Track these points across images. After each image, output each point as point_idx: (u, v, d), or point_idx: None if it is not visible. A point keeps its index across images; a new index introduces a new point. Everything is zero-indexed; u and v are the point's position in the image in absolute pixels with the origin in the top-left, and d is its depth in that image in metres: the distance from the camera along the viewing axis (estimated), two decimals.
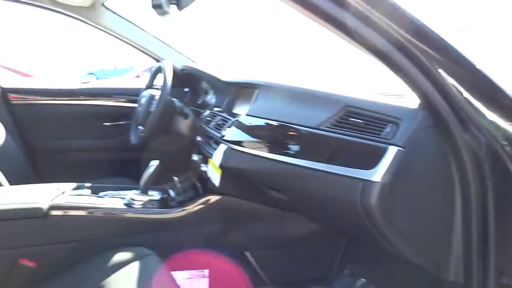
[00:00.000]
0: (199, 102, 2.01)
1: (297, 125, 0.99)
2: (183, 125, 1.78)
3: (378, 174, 0.77)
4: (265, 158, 1.08)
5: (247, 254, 1.41)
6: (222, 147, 1.26)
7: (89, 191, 1.41)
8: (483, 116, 0.75)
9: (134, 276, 1.07)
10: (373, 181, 0.78)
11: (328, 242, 1.44)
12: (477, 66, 0.73)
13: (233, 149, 1.21)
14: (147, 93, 1.80)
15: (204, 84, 1.94)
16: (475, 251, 0.82)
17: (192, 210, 1.34)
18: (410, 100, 0.83)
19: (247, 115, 1.22)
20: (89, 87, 2.33)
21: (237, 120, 1.26)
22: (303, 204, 1.08)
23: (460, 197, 0.81)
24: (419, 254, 0.87)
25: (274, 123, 1.07)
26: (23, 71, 9.62)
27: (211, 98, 1.84)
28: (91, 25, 2.02)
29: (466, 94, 0.74)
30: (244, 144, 1.18)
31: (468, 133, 0.76)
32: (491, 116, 0.76)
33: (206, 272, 1.37)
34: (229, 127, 1.27)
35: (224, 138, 1.26)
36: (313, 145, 0.94)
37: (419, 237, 0.84)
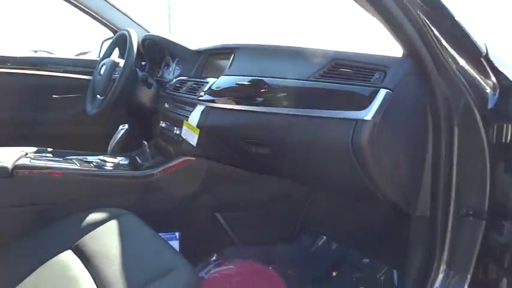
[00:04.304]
0: (158, 75, 1.98)
1: (284, 78, 1.03)
2: (147, 95, 1.75)
3: (369, 114, 0.85)
4: (248, 111, 1.11)
5: (218, 215, 1.43)
6: (200, 108, 1.27)
7: (51, 155, 1.34)
8: (457, 64, 0.86)
9: (114, 233, 1.04)
10: (365, 120, 0.85)
11: (293, 203, 1.51)
12: (455, 17, 0.82)
13: (212, 107, 1.22)
14: (108, 61, 1.72)
15: (167, 56, 1.91)
16: (441, 188, 0.92)
17: (167, 171, 1.33)
18: (393, 51, 0.92)
19: (226, 75, 1.24)
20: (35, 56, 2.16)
21: (215, 81, 1.27)
22: (288, 155, 1.13)
23: (431, 138, 0.91)
24: (397, 192, 0.96)
25: (257, 78, 1.10)
26: None
27: (173, 70, 1.83)
28: None
29: (444, 42, 0.84)
30: (223, 101, 1.20)
31: (443, 79, 0.86)
32: (464, 64, 0.86)
33: (177, 234, 1.37)
34: (207, 88, 1.28)
35: (202, 98, 1.27)
36: (302, 95, 0.99)
37: (400, 176, 0.93)
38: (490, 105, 0.89)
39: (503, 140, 0.88)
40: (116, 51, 1.94)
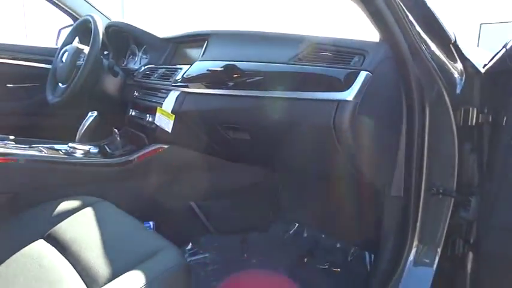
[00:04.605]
0: (123, 64, 1.92)
1: (264, 62, 1.04)
2: (113, 83, 1.68)
3: (351, 94, 0.88)
4: (225, 95, 1.11)
5: (193, 204, 1.41)
6: (174, 94, 1.25)
7: (14, 143, 1.26)
8: (429, 49, 0.91)
9: (90, 220, 1.00)
10: (347, 100, 0.88)
11: (266, 191, 1.53)
12: (427, 4, 0.88)
13: (188, 92, 1.21)
14: (71, 47, 1.64)
15: (132, 45, 1.86)
16: (413, 167, 0.97)
17: (140, 159, 1.29)
18: (370, 37, 0.96)
19: (201, 61, 1.24)
20: None
21: (189, 67, 1.26)
22: (267, 140, 1.14)
23: (405, 120, 0.95)
24: (374, 172, 1.00)
25: (233, 62, 1.10)
26: None
27: (140, 59, 1.78)
28: None
29: (418, 28, 0.89)
30: (199, 86, 1.19)
31: (416, 64, 0.91)
32: (435, 50, 0.92)
33: (151, 223, 1.34)
34: (181, 75, 1.26)
35: (177, 84, 1.25)
36: (282, 79, 1.01)
37: (377, 156, 0.98)
38: (457, 90, 0.95)
39: (469, 123, 0.94)
40: (76, 40, 1.85)
